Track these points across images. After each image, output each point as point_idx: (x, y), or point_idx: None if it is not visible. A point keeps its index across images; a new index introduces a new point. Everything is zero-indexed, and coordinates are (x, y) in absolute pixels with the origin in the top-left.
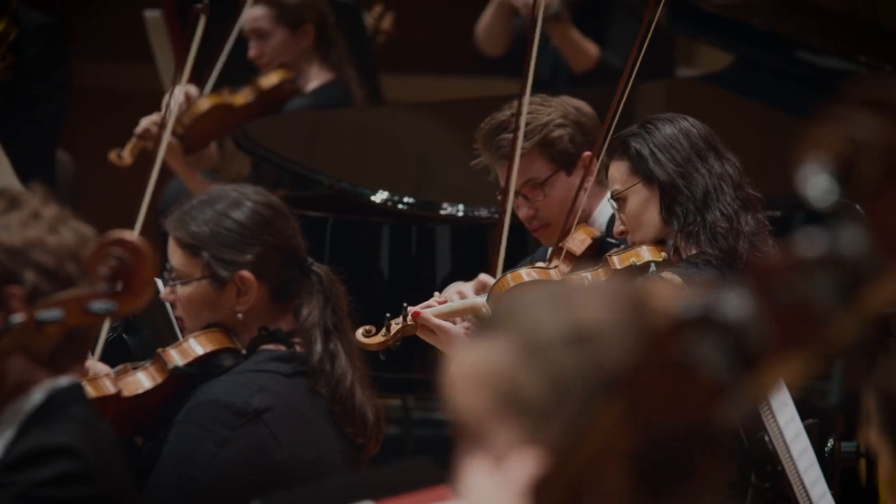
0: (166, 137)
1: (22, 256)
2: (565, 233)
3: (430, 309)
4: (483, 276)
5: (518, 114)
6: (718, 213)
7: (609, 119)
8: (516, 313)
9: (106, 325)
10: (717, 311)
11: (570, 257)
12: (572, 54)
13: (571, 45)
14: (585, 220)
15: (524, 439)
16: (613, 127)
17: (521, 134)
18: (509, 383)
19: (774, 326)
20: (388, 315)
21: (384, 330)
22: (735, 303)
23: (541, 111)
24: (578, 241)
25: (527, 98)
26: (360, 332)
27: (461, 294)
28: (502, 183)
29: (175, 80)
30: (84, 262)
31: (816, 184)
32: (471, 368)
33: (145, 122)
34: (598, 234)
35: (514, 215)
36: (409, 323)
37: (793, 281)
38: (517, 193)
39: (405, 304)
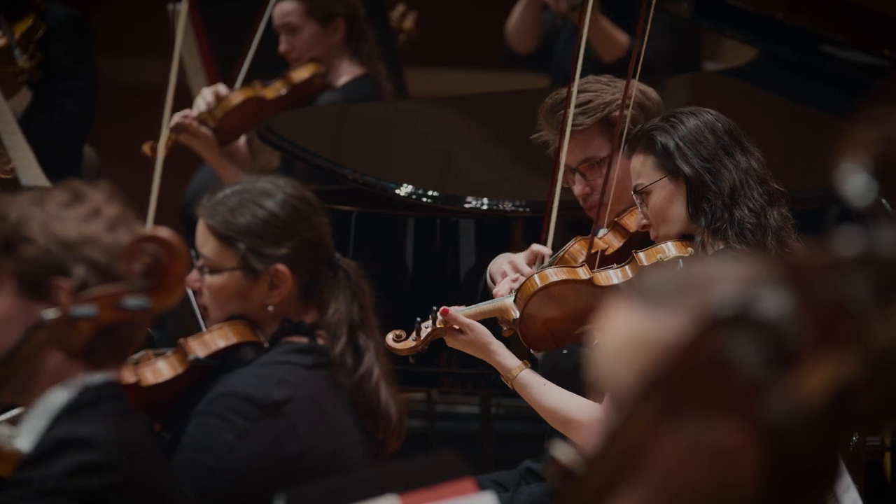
0: (164, 136)
1: (74, 250)
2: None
3: (458, 309)
4: (535, 246)
5: (569, 95)
6: (746, 209)
7: (621, 112)
8: (689, 284)
9: None
10: (754, 309)
11: (625, 233)
12: (602, 43)
13: (601, 35)
14: None
15: None
16: (627, 120)
17: (570, 111)
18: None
19: (812, 325)
20: (418, 319)
21: (414, 334)
22: (772, 301)
23: (605, 90)
24: (633, 219)
25: (576, 78)
26: (389, 336)
27: (513, 265)
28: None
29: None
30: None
31: (855, 183)
32: (638, 334)
33: (178, 116)
34: (644, 221)
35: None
36: (439, 326)
37: (830, 280)
38: (574, 170)
39: (434, 308)
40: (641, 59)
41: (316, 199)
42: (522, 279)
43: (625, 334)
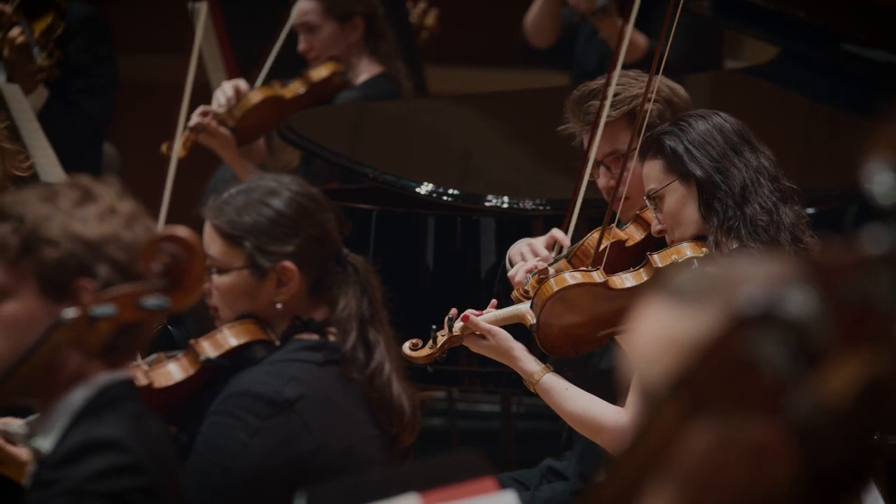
0: (179, 135)
1: (97, 250)
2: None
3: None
4: (555, 231)
5: (605, 90)
6: (758, 207)
7: (641, 106)
8: (722, 284)
9: None
10: (779, 308)
11: (646, 226)
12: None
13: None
14: None
15: None
16: (646, 121)
17: (607, 104)
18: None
19: (838, 324)
20: (433, 327)
21: (431, 342)
22: (798, 300)
23: (633, 84)
24: None
25: (616, 72)
26: (406, 345)
27: (532, 248)
28: (586, 150)
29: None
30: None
31: (881, 181)
32: (670, 332)
33: (197, 116)
34: (659, 227)
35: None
36: (456, 333)
37: (856, 278)
38: (599, 163)
39: (449, 316)
40: (666, 55)
41: (322, 195)
42: (540, 265)
43: (657, 333)
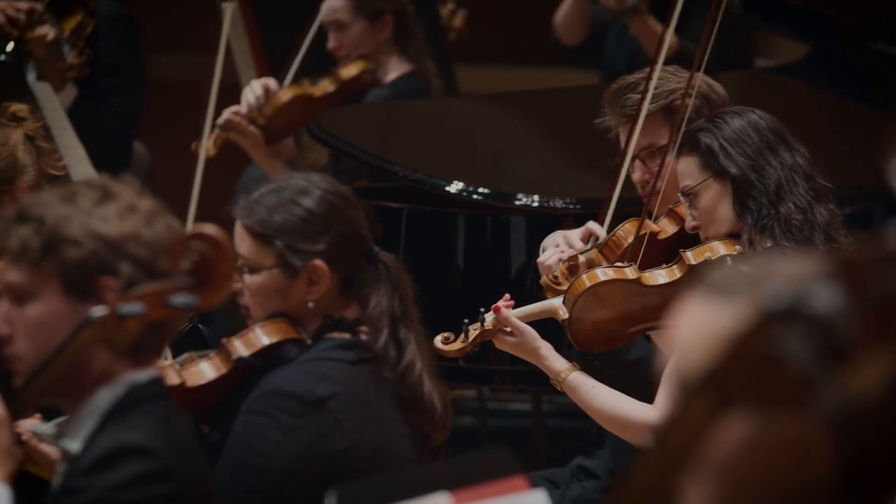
0: (207, 133)
1: (119, 248)
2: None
3: (508, 311)
4: (591, 224)
5: (647, 85)
6: (792, 206)
7: (683, 101)
8: (758, 278)
9: None
10: (805, 304)
11: (680, 220)
12: (650, 43)
13: (650, 35)
14: None
15: None
16: (686, 118)
17: (647, 100)
18: None
19: (864, 319)
20: (465, 321)
21: (462, 336)
22: (824, 296)
23: (671, 79)
24: None
25: (659, 66)
26: (438, 339)
27: (567, 239)
28: (623, 144)
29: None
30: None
31: None
32: (707, 326)
33: (227, 114)
34: (694, 223)
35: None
36: (488, 328)
37: (882, 274)
38: (635, 156)
39: (482, 310)
40: (708, 53)
41: (352, 193)
42: (572, 252)
43: (696, 328)
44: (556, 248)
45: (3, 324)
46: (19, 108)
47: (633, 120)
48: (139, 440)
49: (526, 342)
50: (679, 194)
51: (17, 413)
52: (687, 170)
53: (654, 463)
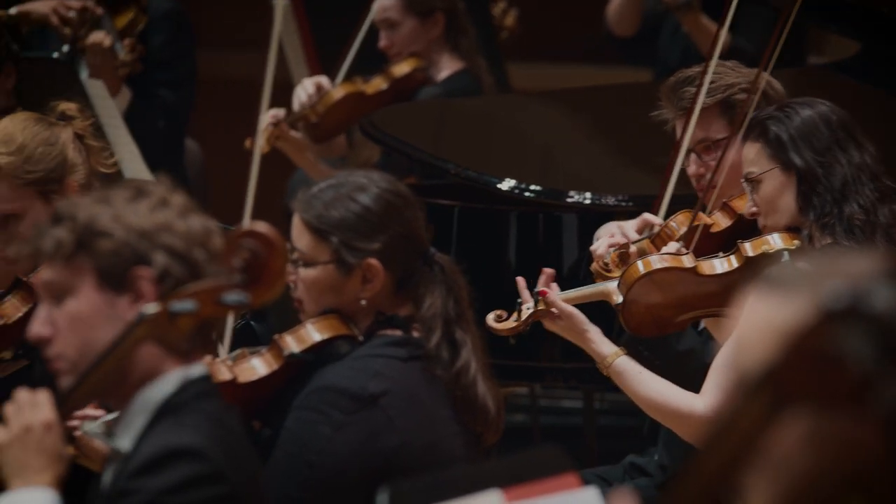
0: (262, 130)
1: (151, 238)
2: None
3: (560, 293)
4: (646, 215)
5: (701, 81)
6: (856, 206)
7: (747, 105)
8: (819, 273)
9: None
10: (866, 303)
11: (733, 214)
12: (703, 40)
13: (702, 32)
14: None
15: None
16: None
17: (703, 91)
18: None
19: None
20: (518, 300)
21: (515, 315)
22: (885, 295)
23: (729, 73)
24: (744, 203)
25: (714, 60)
26: (491, 316)
27: (622, 230)
28: (678, 137)
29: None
30: (211, 250)
31: None
32: (767, 320)
33: (271, 118)
34: (753, 209)
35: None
36: (541, 308)
37: None
38: (690, 150)
39: (536, 289)
40: (778, 50)
41: (410, 193)
42: (623, 240)
43: (758, 323)
44: (610, 237)
45: (44, 325)
46: (68, 106)
47: (689, 113)
48: (189, 442)
49: (574, 325)
50: (742, 179)
51: (66, 414)
52: (752, 156)
53: (712, 460)
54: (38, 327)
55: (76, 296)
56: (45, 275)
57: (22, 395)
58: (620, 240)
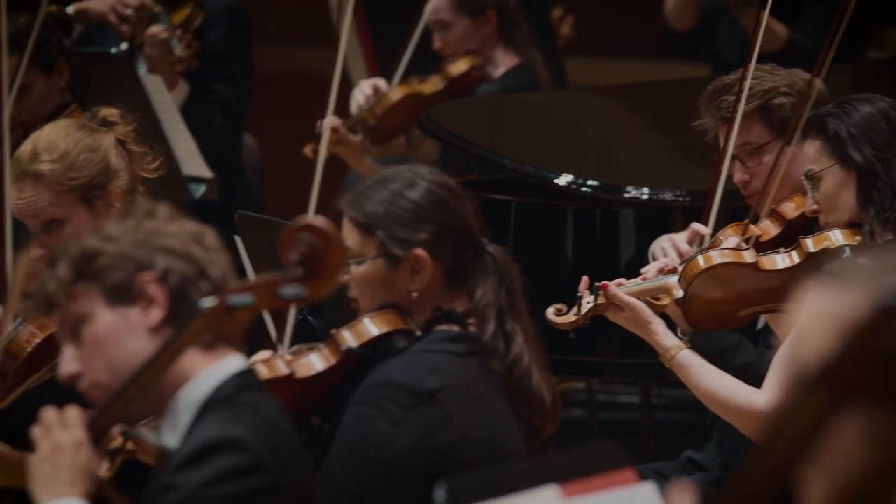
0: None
1: (146, 244)
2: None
3: (621, 287)
4: (695, 225)
5: (741, 85)
6: None
7: (803, 103)
8: (879, 266)
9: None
10: None
11: (782, 220)
12: (763, 37)
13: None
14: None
15: None
16: (807, 111)
17: (743, 97)
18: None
19: None
20: (579, 294)
21: (575, 308)
22: None
23: (766, 78)
24: (792, 206)
25: (752, 65)
26: (551, 310)
27: (673, 243)
28: (721, 145)
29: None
30: (208, 246)
31: None
32: (823, 312)
33: (330, 122)
34: (814, 206)
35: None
36: (601, 302)
37: None
38: (734, 157)
39: (596, 283)
40: (836, 46)
41: (458, 185)
42: (674, 263)
43: (816, 318)
44: (664, 255)
45: (71, 363)
46: (109, 112)
47: (730, 121)
48: (230, 433)
49: (637, 317)
50: (802, 177)
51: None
52: (812, 153)
53: (769, 456)
54: (66, 367)
55: (90, 322)
56: (57, 317)
57: (49, 414)
58: (670, 263)
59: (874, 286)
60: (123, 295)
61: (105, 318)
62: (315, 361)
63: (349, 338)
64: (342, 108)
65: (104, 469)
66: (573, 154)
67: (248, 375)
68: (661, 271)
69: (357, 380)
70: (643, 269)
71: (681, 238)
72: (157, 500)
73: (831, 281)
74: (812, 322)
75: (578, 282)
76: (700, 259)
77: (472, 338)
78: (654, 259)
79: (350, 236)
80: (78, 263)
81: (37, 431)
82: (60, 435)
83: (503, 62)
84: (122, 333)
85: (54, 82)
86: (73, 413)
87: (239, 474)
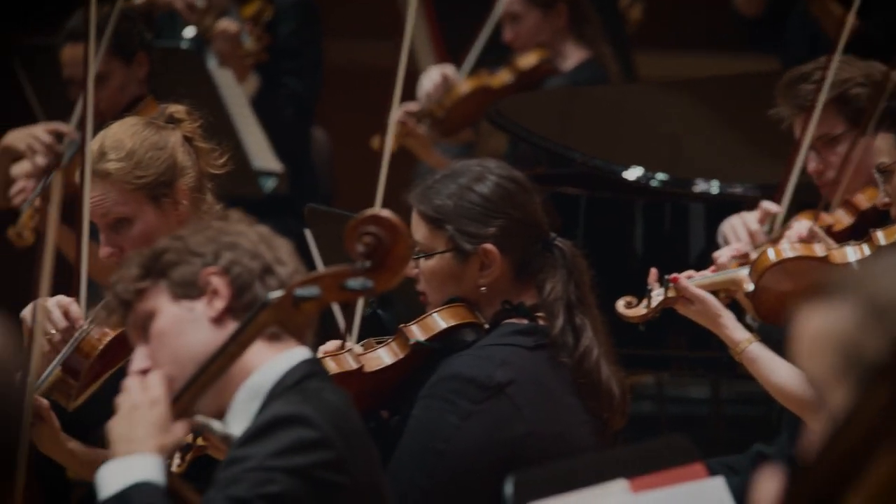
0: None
1: (214, 241)
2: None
3: (691, 279)
4: (766, 204)
5: (824, 77)
6: None
7: (879, 94)
8: (861, 278)
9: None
10: None
11: (855, 210)
12: (831, 26)
13: (830, 17)
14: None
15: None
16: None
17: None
18: (852, 344)
19: None
20: (649, 287)
21: (645, 301)
22: None
23: (844, 69)
24: (865, 198)
25: (837, 56)
26: (620, 303)
27: (744, 222)
28: (796, 135)
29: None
30: (276, 248)
31: None
32: (816, 330)
33: (401, 115)
34: (885, 199)
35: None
36: (671, 295)
37: None
38: (810, 147)
39: (666, 276)
40: None
41: (526, 179)
42: (745, 247)
43: (810, 329)
44: (735, 235)
45: (142, 362)
46: (176, 108)
47: (807, 111)
48: (296, 410)
49: (707, 310)
50: (874, 170)
51: (185, 409)
52: (885, 146)
53: (835, 450)
54: (138, 364)
55: (156, 317)
56: (131, 315)
57: (132, 380)
58: (742, 248)
59: (862, 295)
60: (189, 289)
61: (170, 312)
62: (384, 355)
63: (418, 332)
64: (409, 100)
65: (175, 465)
66: (643, 148)
67: (314, 364)
68: (734, 257)
69: (426, 374)
70: (715, 254)
71: (751, 217)
72: (222, 472)
73: (822, 299)
74: (809, 345)
75: (647, 276)
76: (771, 252)
77: (541, 331)
78: (725, 241)
79: (419, 230)
80: (146, 262)
81: (120, 397)
82: (138, 395)
83: (573, 56)
84: (186, 324)
85: (133, 73)
86: (154, 376)
87: (305, 448)
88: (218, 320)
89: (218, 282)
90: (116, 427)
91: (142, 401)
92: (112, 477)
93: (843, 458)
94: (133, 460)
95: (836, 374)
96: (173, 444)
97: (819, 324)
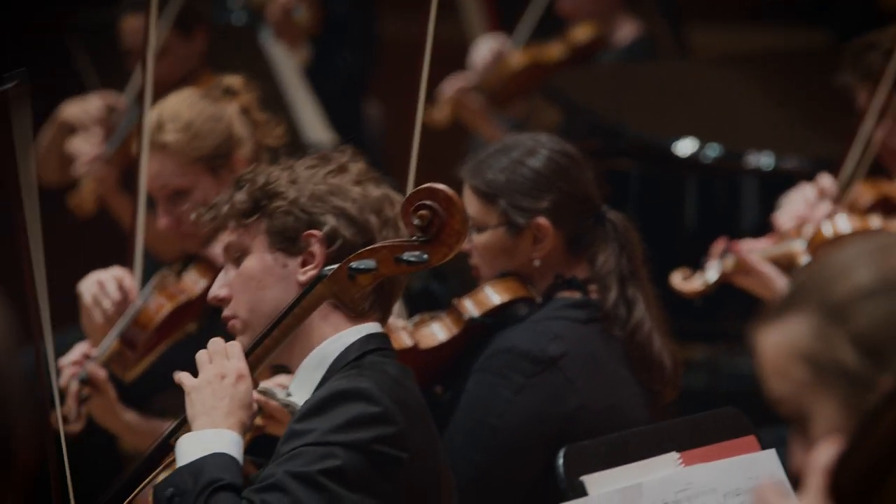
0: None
1: (324, 201)
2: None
3: (750, 251)
4: (823, 179)
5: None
6: None
7: None
8: (809, 284)
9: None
10: None
11: None
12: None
13: None
14: None
15: (848, 407)
16: None
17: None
18: (816, 354)
19: None
20: (704, 260)
21: (701, 273)
22: None
23: None
24: None
25: None
26: (677, 276)
27: (802, 194)
28: (860, 104)
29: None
30: (384, 218)
31: None
32: (777, 349)
33: (456, 84)
34: None
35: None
36: (730, 267)
37: None
38: (879, 116)
39: (724, 248)
40: None
41: (579, 153)
42: (805, 212)
43: (769, 349)
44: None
45: (222, 288)
46: (233, 80)
47: (873, 80)
48: (359, 385)
49: (766, 281)
50: None
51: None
52: None
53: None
54: (216, 289)
55: (251, 256)
56: (227, 237)
57: (217, 343)
58: (804, 212)
59: (813, 302)
60: (287, 243)
61: (264, 259)
62: (438, 332)
63: (471, 307)
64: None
65: None
66: (695, 123)
67: (381, 339)
68: (796, 219)
69: (479, 348)
70: (774, 214)
71: (810, 191)
72: (282, 446)
73: (774, 314)
74: (773, 365)
75: (699, 250)
76: (827, 226)
77: (593, 304)
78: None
79: (471, 205)
80: (258, 197)
81: (202, 356)
82: (226, 363)
83: (627, 30)
84: (273, 278)
85: (191, 47)
86: (237, 345)
87: (366, 422)
88: (305, 285)
89: (317, 248)
90: (200, 393)
91: (230, 370)
92: (189, 447)
93: (870, 460)
94: (217, 435)
95: (811, 388)
96: (251, 422)
97: (777, 341)
